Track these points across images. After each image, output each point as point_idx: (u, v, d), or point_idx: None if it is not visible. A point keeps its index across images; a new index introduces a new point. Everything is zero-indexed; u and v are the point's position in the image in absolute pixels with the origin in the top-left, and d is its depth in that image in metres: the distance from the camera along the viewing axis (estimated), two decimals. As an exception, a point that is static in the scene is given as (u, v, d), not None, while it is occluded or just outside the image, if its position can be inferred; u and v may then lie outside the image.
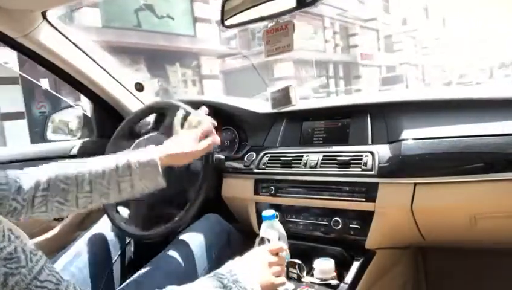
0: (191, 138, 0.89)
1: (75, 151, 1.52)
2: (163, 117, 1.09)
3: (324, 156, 1.06)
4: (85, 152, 1.50)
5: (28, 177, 0.78)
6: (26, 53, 1.20)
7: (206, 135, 0.92)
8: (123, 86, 1.46)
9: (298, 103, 1.19)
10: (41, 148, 1.59)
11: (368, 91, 18.11)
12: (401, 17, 26.19)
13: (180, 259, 0.92)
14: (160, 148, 0.87)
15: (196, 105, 1.08)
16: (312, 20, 17.99)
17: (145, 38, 10.44)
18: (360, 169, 0.98)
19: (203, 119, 0.94)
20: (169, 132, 1.06)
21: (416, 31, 27.70)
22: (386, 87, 15.99)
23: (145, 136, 1.10)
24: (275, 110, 1.22)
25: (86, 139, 1.60)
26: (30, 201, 0.77)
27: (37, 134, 7.78)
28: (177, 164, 0.92)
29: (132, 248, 1.08)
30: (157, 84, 11.57)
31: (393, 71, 22.11)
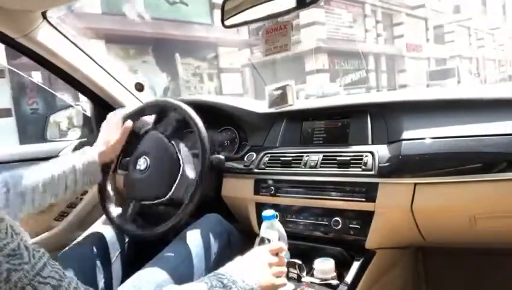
0: (112, 130, 1.06)
1: (74, 151, 1.52)
2: (161, 116, 1.09)
3: (324, 156, 1.06)
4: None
5: None
6: (26, 53, 1.20)
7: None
8: (123, 86, 1.46)
9: (296, 103, 1.19)
10: (40, 149, 1.59)
11: (415, 87, 16.57)
12: (453, 4, 23.50)
13: (180, 259, 0.92)
14: (97, 147, 1.03)
15: (196, 105, 1.08)
16: (350, 7, 16.75)
17: (152, 26, 9.53)
18: (360, 169, 0.98)
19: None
20: (167, 130, 1.06)
21: (471, 20, 24.51)
22: (435, 82, 14.72)
23: (145, 136, 1.10)
24: (272, 110, 1.22)
25: (85, 139, 1.60)
26: None
27: (27, 133, 7.23)
28: (115, 154, 1.07)
29: (131, 248, 1.08)
30: (166, 78, 10.60)
31: (444, 65, 19.88)
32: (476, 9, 25.13)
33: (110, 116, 1.11)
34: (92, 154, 1.00)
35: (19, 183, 0.85)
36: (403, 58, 19.46)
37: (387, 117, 1.05)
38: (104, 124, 1.09)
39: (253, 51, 14.69)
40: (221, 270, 0.69)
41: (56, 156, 1.49)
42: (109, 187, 1.10)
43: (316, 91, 11.73)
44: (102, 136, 1.06)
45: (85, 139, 1.61)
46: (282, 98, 1.17)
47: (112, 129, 1.07)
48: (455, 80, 14.99)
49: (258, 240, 0.85)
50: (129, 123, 1.08)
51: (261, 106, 1.32)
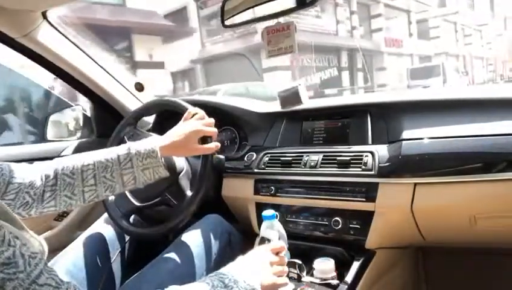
0: (194, 132, 0.88)
1: (74, 151, 1.52)
2: (164, 115, 1.09)
3: (324, 156, 1.06)
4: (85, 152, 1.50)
5: (38, 171, 0.79)
6: (26, 53, 1.20)
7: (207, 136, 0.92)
8: (123, 86, 1.46)
9: (307, 102, 1.20)
10: (40, 149, 1.59)
11: (395, 87, 14.55)
12: (438, -4, 20.67)
13: (181, 259, 0.92)
14: (161, 138, 0.88)
15: (196, 105, 1.08)
16: (319, -6, 14.65)
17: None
18: (360, 169, 0.98)
19: (204, 115, 0.95)
20: (167, 130, 1.06)
21: (457, 15, 21.99)
22: (417, 82, 12.43)
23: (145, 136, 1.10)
24: (277, 110, 1.22)
25: (85, 139, 1.60)
26: (40, 195, 0.77)
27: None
28: (178, 155, 0.95)
29: (131, 247, 1.08)
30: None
31: (429, 62, 16.95)
32: (462, 2, 22.83)
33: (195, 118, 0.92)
34: (154, 147, 0.83)
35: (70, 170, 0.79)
36: (382, 55, 17.01)
37: (387, 117, 1.05)
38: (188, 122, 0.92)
39: (205, 44, 13.00)
40: (222, 270, 0.69)
41: (57, 156, 1.49)
42: None
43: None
44: (175, 131, 0.89)
45: (86, 139, 1.61)
46: (295, 98, 1.18)
47: (196, 129, 0.89)
48: (440, 79, 13.06)
49: (258, 240, 0.85)
50: (217, 146, 0.92)
51: (261, 106, 1.32)
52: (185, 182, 1.04)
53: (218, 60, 12.52)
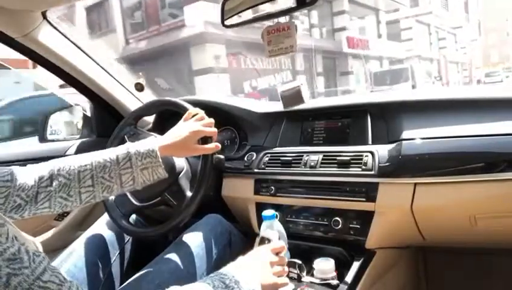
0: (193, 132, 0.88)
1: (74, 151, 1.52)
2: (164, 115, 1.09)
3: (324, 156, 1.06)
4: (84, 152, 1.50)
5: (31, 173, 0.78)
6: (26, 53, 1.20)
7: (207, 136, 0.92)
8: (123, 86, 1.46)
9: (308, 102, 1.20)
10: (40, 148, 1.59)
11: (359, 93, 12.64)
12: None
13: (181, 259, 0.92)
14: (161, 139, 0.88)
15: (196, 105, 1.08)
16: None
17: None
18: (360, 169, 0.98)
19: (204, 115, 0.94)
20: (167, 129, 1.06)
21: (431, 16, 20.79)
22: (381, 89, 11.21)
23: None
24: (277, 110, 1.22)
25: (85, 139, 1.60)
26: (33, 197, 0.76)
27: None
28: (177, 156, 0.94)
29: (131, 247, 1.09)
30: None
31: (401, 65, 15.38)
32: (436, 2, 21.41)
33: (195, 118, 0.93)
34: (153, 147, 0.83)
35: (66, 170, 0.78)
36: (347, 58, 15.11)
37: (387, 117, 1.05)
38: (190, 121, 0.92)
39: (129, 40, 11.40)
40: (223, 270, 0.69)
41: (57, 156, 1.49)
42: None
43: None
44: (175, 131, 0.89)
45: (86, 139, 1.60)
46: (297, 97, 1.19)
47: (196, 130, 0.89)
48: (409, 84, 12.00)
49: (258, 240, 0.85)
50: (217, 146, 0.92)
51: (261, 106, 1.32)
52: (184, 182, 1.04)
53: (145, 59, 10.65)
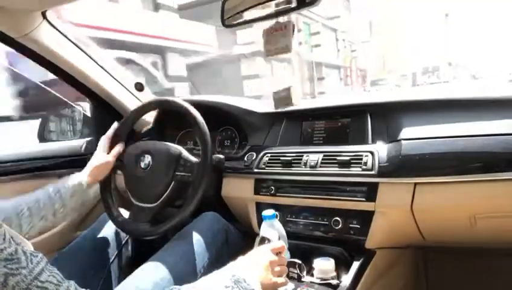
0: (100, 151, 1.07)
1: (74, 150, 1.52)
2: (164, 115, 1.09)
3: (324, 155, 1.06)
4: (84, 152, 1.50)
5: None
6: (26, 53, 1.20)
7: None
8: (123, 86, 1.46)
9: (300, 103, 1.20)
10: (40, 148, 1.59)
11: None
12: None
13: (178, 257, 0.92)
14: (82, 172, 1.03)
15: (196, 105, 1.08)
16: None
17: None
18: (360, 169, 0.98)
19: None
20: (169, 131, 1.07)
21: (339, 19, 20.26)
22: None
23: (145, 138, 1.11)
24: (277, 110, 1.22)
25: (85, 139, 1.60)
26: None
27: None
28: (103, 176, 1.07)
29: (130, 247, 1.09)
30: None
31: None
32: (339, 5, 19.86)
33: (103, 139, 1.11)
34: (79, 177, 1.01)
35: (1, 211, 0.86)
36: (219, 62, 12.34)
37: (387, 117, 1.05)
38: (100, 144, 1.10)
39: None
40: (222, 269, 0.69)
41: (57, 156, 1.49)
42: (111, 187, 1.10)
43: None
44: (92, 158, 1.08)
45: (86, 139, 1.60)
46: (287, 99, 1.18)
47: (100, 151, 1.09)
48: None
49: (258, 239, 0.85)
50: (120, 147, 1.10)
51: (261, 106, 1.32)
52: (184, 182, 1.04)
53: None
